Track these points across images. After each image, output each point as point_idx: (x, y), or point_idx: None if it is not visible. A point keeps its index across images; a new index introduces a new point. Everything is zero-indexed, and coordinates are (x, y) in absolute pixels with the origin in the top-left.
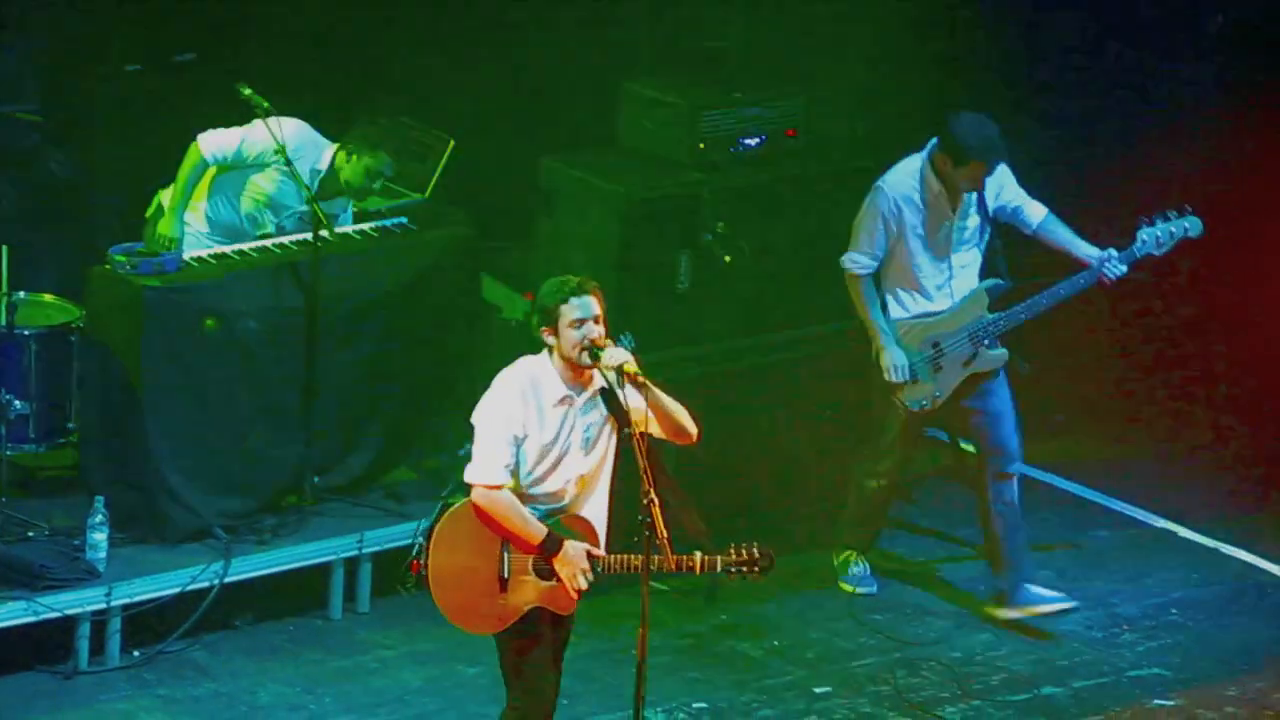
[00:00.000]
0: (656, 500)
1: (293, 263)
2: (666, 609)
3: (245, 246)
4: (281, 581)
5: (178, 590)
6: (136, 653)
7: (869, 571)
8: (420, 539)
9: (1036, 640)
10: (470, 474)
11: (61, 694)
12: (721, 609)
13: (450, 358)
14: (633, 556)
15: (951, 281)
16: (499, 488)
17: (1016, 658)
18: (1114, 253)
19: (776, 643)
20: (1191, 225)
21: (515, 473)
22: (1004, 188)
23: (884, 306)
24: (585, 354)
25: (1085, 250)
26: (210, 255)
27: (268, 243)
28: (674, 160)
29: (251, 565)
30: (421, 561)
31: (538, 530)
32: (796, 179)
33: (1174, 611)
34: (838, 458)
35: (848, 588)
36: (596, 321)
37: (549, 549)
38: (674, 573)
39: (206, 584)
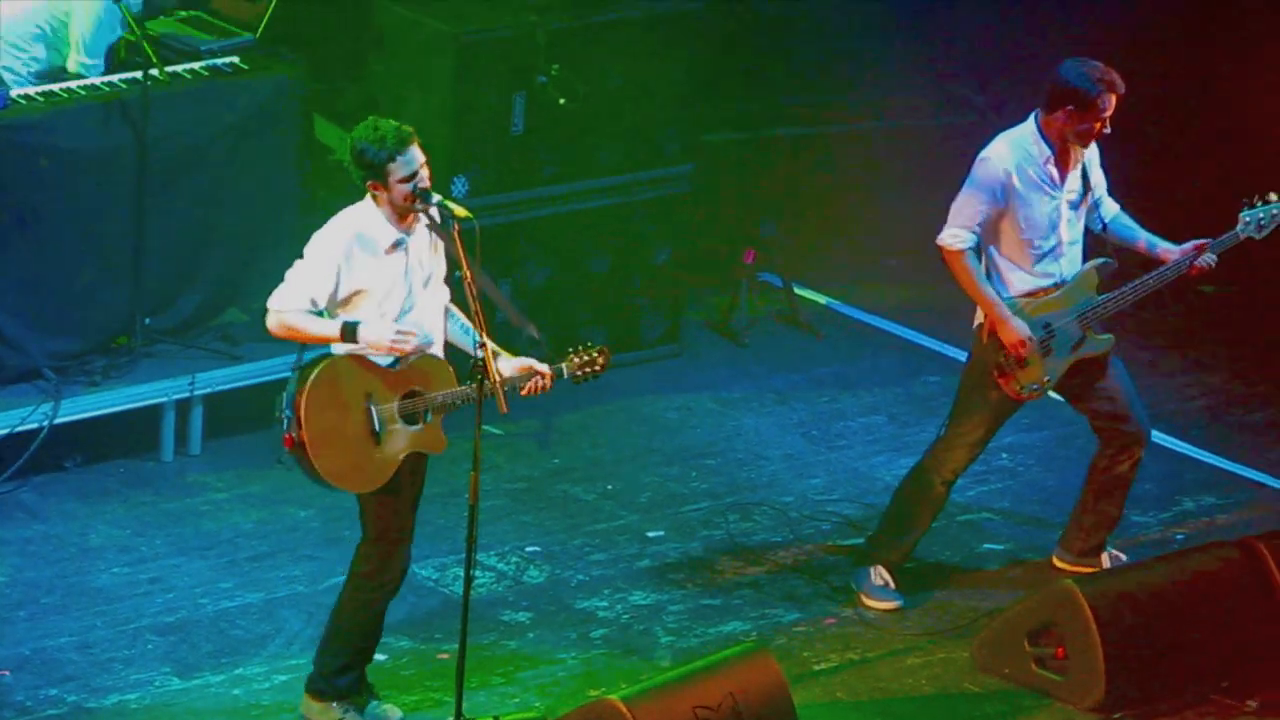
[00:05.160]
0: (488, 345)
1: (122, 101)
2: (499, 452)
3: (74, 85)
4: (112, 423)
5: (7, 431)
6: None
7: (893, 584)
8: (288, 411)
9: (868, 486)
10: (271, 298)
11: None
12: (554, 453)
13: (281, 199)
14: (469, 389)
15: (1060, 259)
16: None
17: (848, 503)
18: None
19: (610, 487)
20: None
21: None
22: (1095, 169)
23: None
24: (418, 201)
25: (1164, 246)
26: (38, 93)
27: (96, 80)
28: (509, 1)
29: (82, 406)
30: (293, 434)
31: (331, 325)
32: (631, 21)
33: (1004, 456)
34: (670, 305)
35: (869, 602)
36: (423, 167)
37: (348, 334)
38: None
39: (36, 425)
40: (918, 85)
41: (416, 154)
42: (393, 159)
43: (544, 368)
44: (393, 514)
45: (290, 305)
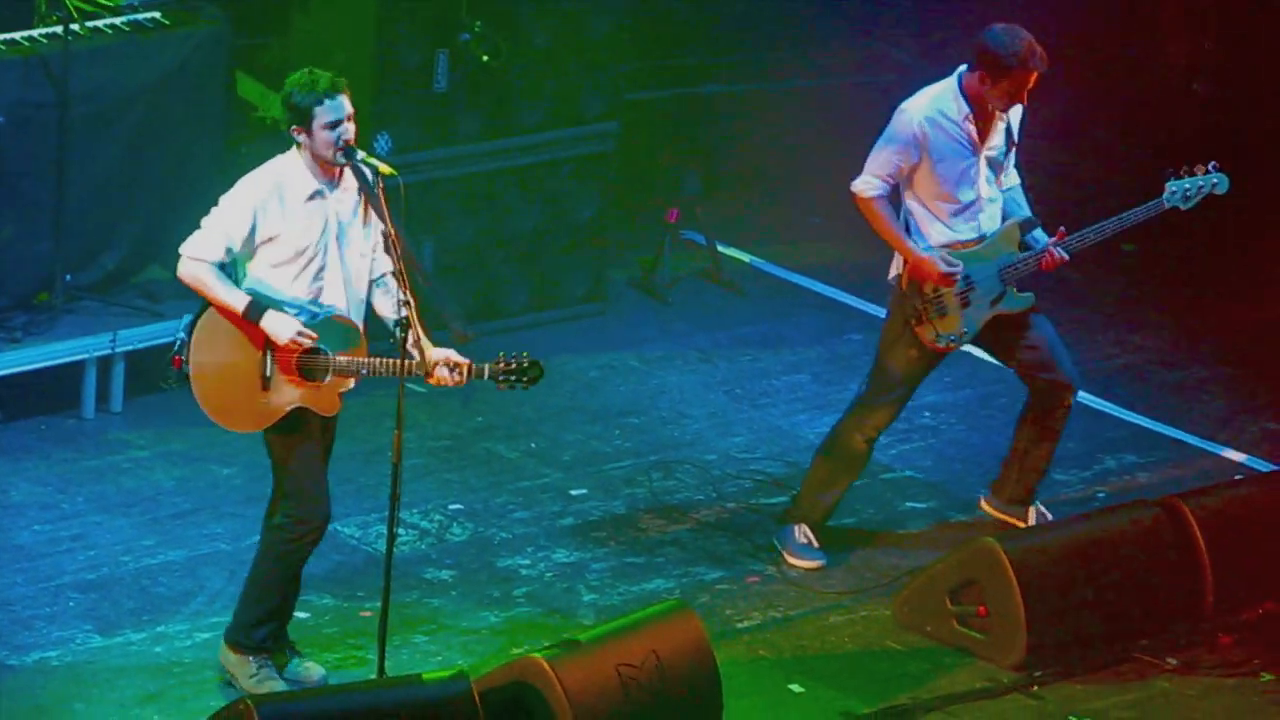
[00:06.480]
0: (413, 302)
1: (42, 56)
2: (422, 410)
3: None
4: (33, 380)
5: None
6: None
7: (816, 543)
8: (183, 334)
9: (791, 444)
10: (186, 245)
11: None
12: (477, 411)
13: (204, 155)
14: (393, 360)
15: (980, 214)
16: (204, 261)
17: (771, 461)
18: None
19: (533, 445)
20: (1220, 181)
21: (239, 258)
22: (1015, 130)
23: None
24: (340, 154)
25: (1035, 235)
26: None
27: (16, 35)
28: None
29: (2, 363)
30: (183, 357)
31: (239, 298)
32: None
33: (926, 414)
34: (594, 263)
35: (793, 560)
36: (349, 120)
37: (253, 315)
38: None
39: None
40: (843, 43)
41: (345, 103)
42: (320, 103)
43: (462, 360)
44: (301, 467)
45: (206, 254)
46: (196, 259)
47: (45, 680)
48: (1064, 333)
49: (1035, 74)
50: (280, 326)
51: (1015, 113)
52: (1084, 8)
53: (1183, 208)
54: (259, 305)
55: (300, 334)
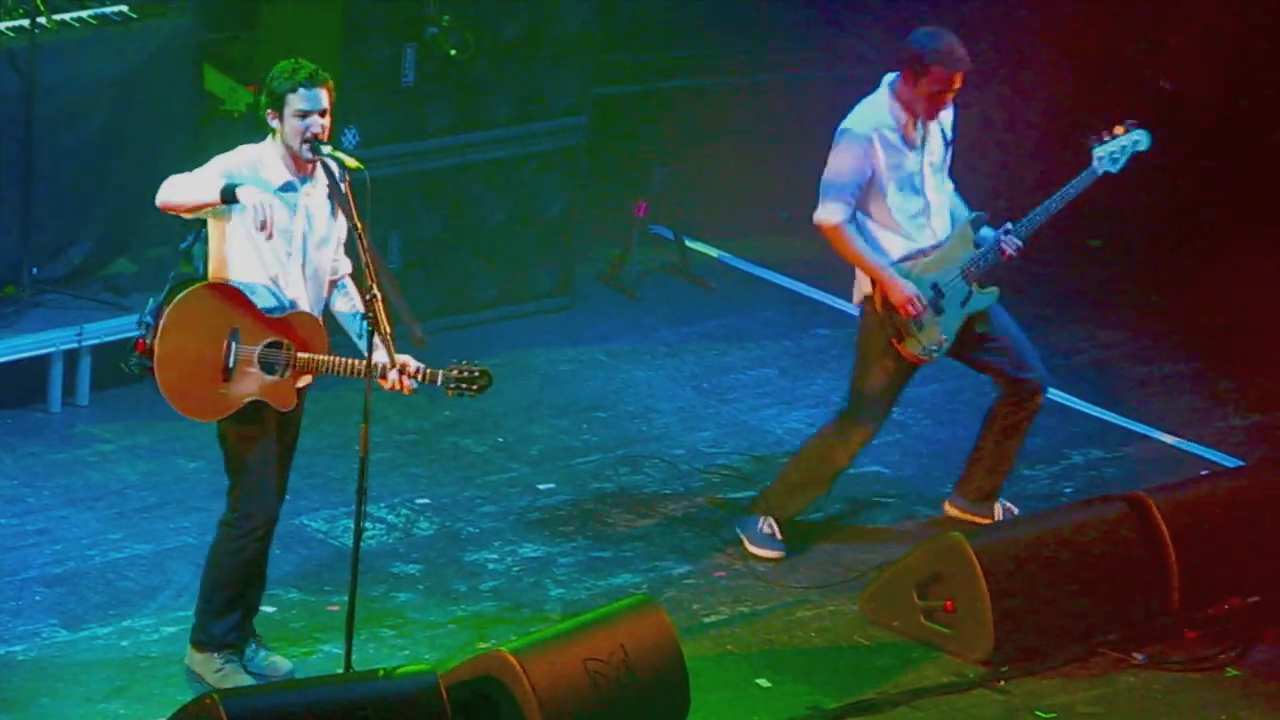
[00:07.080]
0: (379, 296)
1: (9, 50)
2: (390, 404)
3: None
4: None
5: None
6: None
7: (779, 536)
8: (149, 318)
9: (758, 439)
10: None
11: None
12: (445, 405)
13: (171, 149)
14: (353, 360)
15: (931, 219)
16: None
17: (739, 456)
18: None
19: (500, 440)
20: (1141, 138)
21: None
22: (948, 131)
23: None
24: (307, 146)
25: (983, 234)
26: None
27: None
28: None
29: None
30: (148, 341)
31: (213, 187)
32: None
33: (894, 410)
34: (562, 257)
35: (753, 549)
36: (323, 115)
37: (228, 194)
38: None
39: None
40: (808, 37)
41: (320, 97)
42: (294, 90)
43: (416, 365)
44: (253, 462)
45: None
46: (173, 181)
47: (11, 674)
48: (1030, 328)
49: (958, 74)
50: (255, 192)
51: (946, 115)
52: (1050, 3)
53: (1113, 171)
54: (233, 184)
55: (270, 204)
